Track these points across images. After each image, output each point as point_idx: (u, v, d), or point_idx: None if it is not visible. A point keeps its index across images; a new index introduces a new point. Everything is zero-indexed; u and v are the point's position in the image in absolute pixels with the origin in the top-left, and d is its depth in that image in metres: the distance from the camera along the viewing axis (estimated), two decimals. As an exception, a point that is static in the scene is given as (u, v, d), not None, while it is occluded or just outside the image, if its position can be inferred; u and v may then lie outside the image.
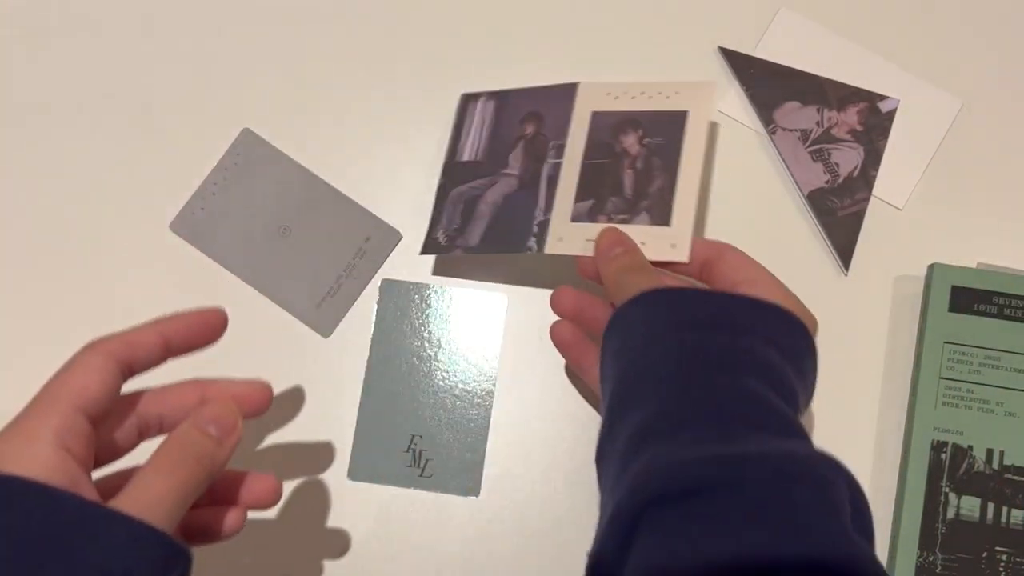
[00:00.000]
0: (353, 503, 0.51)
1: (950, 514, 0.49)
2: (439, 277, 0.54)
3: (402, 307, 0.53)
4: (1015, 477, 0.49)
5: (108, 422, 0.38)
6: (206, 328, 0.41)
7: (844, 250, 0.53)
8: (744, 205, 0.55)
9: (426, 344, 0.53)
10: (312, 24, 0.57)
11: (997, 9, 0.56)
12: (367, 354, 0.53)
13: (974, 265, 0.52)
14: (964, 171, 0.55)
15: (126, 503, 0.33)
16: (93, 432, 0.36)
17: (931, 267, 0.52)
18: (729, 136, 0.55)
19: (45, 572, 0.31)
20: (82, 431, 0.35)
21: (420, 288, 0.53)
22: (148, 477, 0.35)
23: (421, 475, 0.51)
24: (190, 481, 0.35)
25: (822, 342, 0.54)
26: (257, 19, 0.58)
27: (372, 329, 0.53)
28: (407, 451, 0.52)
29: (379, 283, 0.54)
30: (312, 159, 0.55)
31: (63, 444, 0.34)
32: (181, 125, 0.56)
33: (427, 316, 0.53)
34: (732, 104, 0.56)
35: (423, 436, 0.52)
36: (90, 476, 0.35)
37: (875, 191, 0.54)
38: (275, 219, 0.54)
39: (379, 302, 0.53)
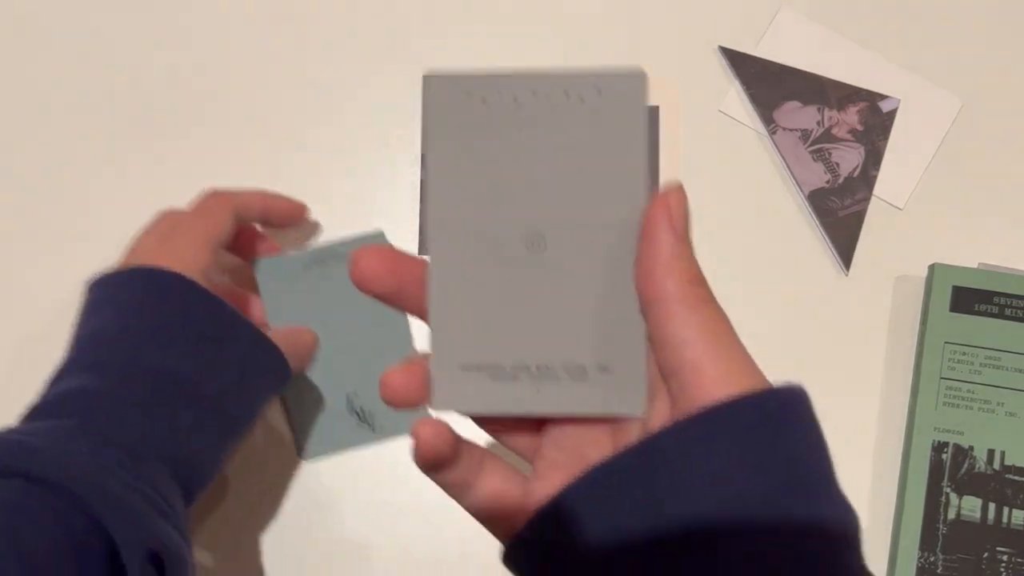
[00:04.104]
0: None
1: (951, 514, 0.48)
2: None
3: (289, 280, 0.52)
4: (1016, 477, 0.49)
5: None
6: (294, 216, 0.52)
7: (845, 250, 0.53)
8: (744, 205, 0.54)
9: (334, 312, 0.52)
10: (308, 25, 0.57)
11: (997, 8, 0.56)
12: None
13: (975, 265, 0.52)
14: (965, 171, 0.55)
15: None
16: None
17: (932, 267, 0.51)
18: (729, 136, 0.55)
19: (201, 353, 0.41)
20: (215, 265, 0.45)
21: (301, 258, 0.52)
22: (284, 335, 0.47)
23: (373, 429, 0.51)
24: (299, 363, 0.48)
25: (822, 342, 0.55)
26: (258, 19, 0.57)
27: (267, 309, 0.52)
28: (349, 412, 0.51)
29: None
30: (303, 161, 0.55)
31: (209, 279, 0.44)
32: (180, 123, 0.56)
33: (321, 287, 0.52)
34: (732, 104, 0.56)
35: (358, 392, 0.51)
36: None
37: (875, 191, 0.54)
38: None
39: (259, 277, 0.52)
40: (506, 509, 0.31)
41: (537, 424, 0.32)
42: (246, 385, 0.43)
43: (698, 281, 0.28)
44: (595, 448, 0.30)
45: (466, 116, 0.28)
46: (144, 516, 0.36)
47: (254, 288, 0.51)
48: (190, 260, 0.44)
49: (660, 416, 0.28)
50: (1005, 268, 0.52)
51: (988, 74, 0.56)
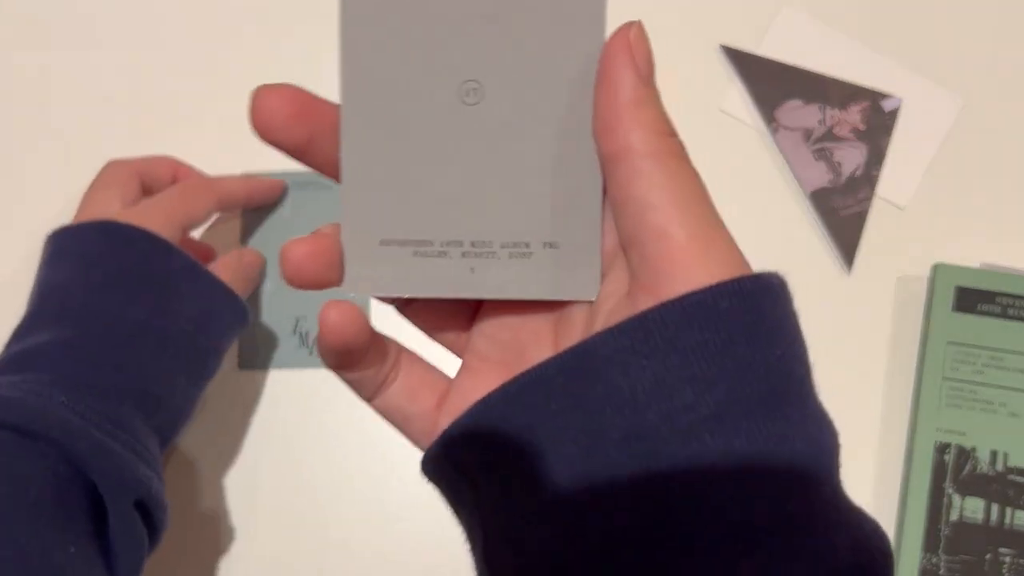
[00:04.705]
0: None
1: (953, 516, 0.48)
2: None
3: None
4: (1018, 479, 0.49)
5: None
6: (274, 195, 0.54)
7: (847, 250, 0.53)
8: (746, 204, 0.54)
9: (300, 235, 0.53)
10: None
11: (1000, 7, 0.56)
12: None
13: (978, 265, 0.52)
14: (967, 170, 0.54)
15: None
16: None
17: (935, 267, 0.51)
18: (731, 135, 0.55)
19: (163, 303, 0.41)
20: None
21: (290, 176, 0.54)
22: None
23: (310, 354, 0.52)
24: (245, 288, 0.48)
25: (825, 342, 0.54)
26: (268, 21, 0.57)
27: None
28: (293, 333, 0.52)
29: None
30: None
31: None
32: (184, 129, 0.56)
33: (296, 209, 0.53)
34: (734, 102, 0.55)
35: (307, 316, 0.53)
36: None
37: (878, 190, 0.54)
38: None
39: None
40: (424, 412, 0.27)
41: (470, 315, 0.28)
42: (208, 332, 0.44)
43: (667, 132, 0.24)
44: (534, 340, 0.26)
45: None
46: (127, 464, 0.36)
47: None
48: (156, 230, 0.43)
49: (611, 298, 0.25)
50: (1008, 268, 0.52)
51: (990, 73, 0.55)
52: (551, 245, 0.24)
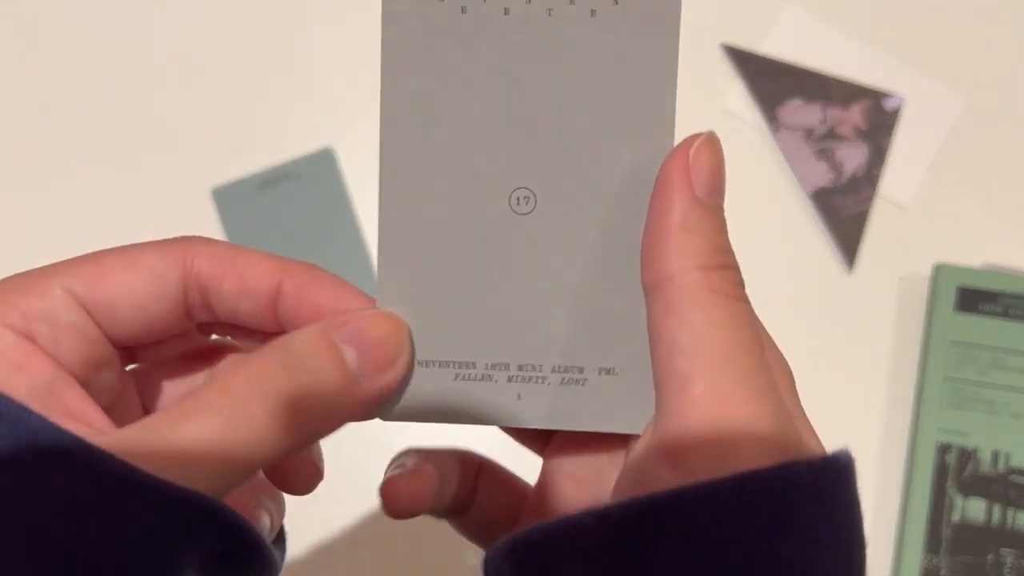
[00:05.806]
0: None
1: (955, 516, 0.48)
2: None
3: (245, 203, 0.54)
4: (1020, 479, 0.48)
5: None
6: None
7: (849, 249, 0.53)
8: (747, 204, 0.54)
9: (291, 229, 0.53)
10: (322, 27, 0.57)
11: (1001, 6, 0.56)
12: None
13: (980, 265, 0.52)
14: (969, 169, 0.54)
15: (149, 440, 0.18)
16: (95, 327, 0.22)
17: (937, 267, 0.51)
18: (732, 134, 0.55)
19: None
20: (74, 325, 0.21)
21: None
22: (208, 412, 0.19)
23: None
24: (288, 435, 0.20)
25: (827, 342, 0.54)
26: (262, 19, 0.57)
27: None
28: None
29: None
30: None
31: (28, 330, 0.20)
32: (182, 133, 0.56)
33: (275, 207, 0.53)
34: (735, 101, 0.55)
35: None
36: (98, 378, 0.22)
37: (879, 190, 0.54)
38: None
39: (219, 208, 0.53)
40: (498, 526, 0.25)
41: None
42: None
43: (716, 264, 0.21)
44: (609, 460, 0.24)
45: (438, 28, 0.21)
46: None
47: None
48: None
49: (645, 435, 0.22)
50: (1010, 268, 0.52)
51: (992, 72, 0.55)
52: (608, 371, 0.22)
